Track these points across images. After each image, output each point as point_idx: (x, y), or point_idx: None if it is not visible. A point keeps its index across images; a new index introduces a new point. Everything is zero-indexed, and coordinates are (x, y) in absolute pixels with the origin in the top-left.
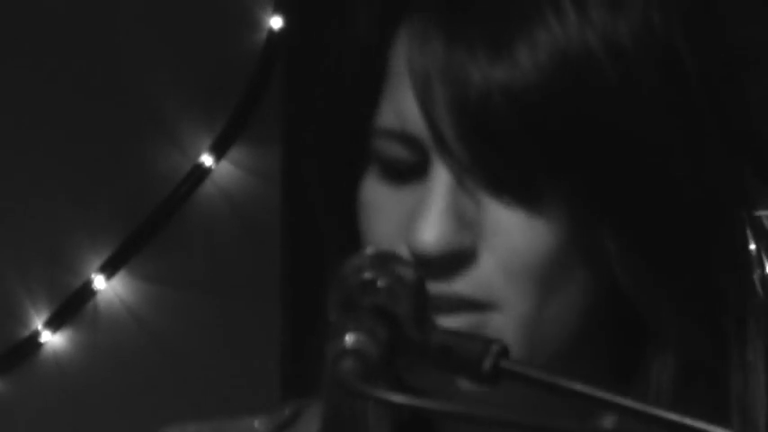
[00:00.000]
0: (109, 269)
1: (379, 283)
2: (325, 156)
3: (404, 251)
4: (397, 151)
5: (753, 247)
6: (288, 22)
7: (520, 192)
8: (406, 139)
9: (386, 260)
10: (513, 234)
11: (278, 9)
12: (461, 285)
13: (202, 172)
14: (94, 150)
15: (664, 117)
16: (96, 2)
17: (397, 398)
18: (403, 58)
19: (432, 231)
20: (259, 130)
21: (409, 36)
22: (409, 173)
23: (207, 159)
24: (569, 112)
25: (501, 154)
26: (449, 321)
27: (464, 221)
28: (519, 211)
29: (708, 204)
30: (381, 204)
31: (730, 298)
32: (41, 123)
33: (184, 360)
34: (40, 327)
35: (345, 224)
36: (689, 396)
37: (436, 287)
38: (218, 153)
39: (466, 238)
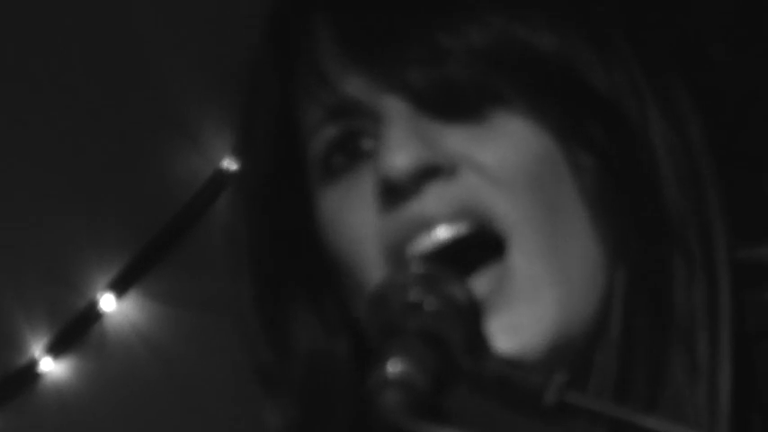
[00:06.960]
0: (118, 287)
1: (427, 306)
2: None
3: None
4: (336, 132)
5: None
6: None
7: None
8: (351, 107)
9: (434, 279)
10: (484, 150)
11: None
12: (443, 200)
13: (224, 177)
14: (104, 156)
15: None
16: (117, 5)
17: None
18: None
19: (400, 153)
20: None
21: None
22: (349, 162)
23: (230, 164)
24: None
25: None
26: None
27: (428, 142)
28: (476, 130)
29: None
30: (339, 205)
31: (676, 224)
32: (47, 129)
33: (203, 391)
34: (38, 354)
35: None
36: (636, 308)
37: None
38: None
39: (437, 157)
